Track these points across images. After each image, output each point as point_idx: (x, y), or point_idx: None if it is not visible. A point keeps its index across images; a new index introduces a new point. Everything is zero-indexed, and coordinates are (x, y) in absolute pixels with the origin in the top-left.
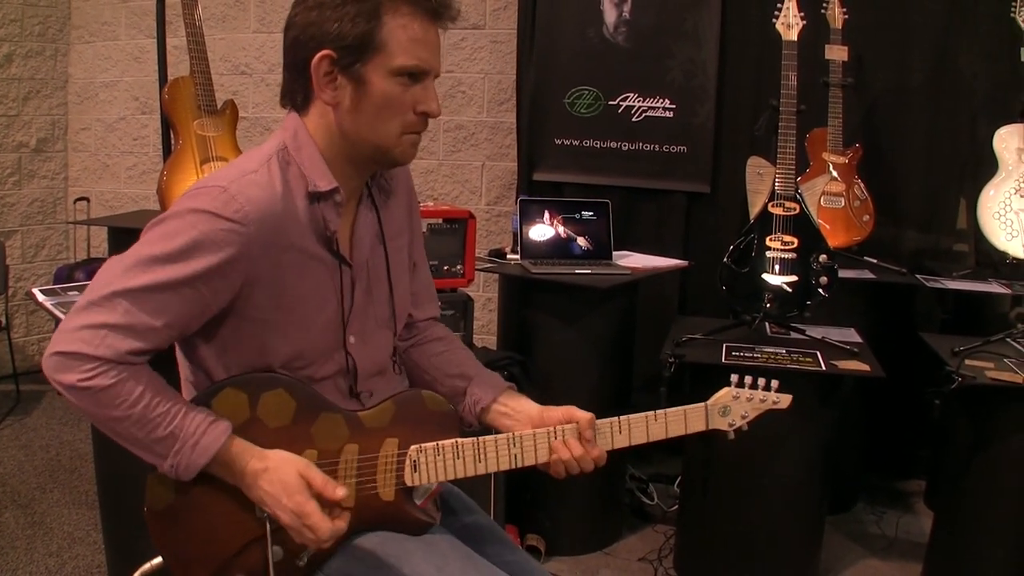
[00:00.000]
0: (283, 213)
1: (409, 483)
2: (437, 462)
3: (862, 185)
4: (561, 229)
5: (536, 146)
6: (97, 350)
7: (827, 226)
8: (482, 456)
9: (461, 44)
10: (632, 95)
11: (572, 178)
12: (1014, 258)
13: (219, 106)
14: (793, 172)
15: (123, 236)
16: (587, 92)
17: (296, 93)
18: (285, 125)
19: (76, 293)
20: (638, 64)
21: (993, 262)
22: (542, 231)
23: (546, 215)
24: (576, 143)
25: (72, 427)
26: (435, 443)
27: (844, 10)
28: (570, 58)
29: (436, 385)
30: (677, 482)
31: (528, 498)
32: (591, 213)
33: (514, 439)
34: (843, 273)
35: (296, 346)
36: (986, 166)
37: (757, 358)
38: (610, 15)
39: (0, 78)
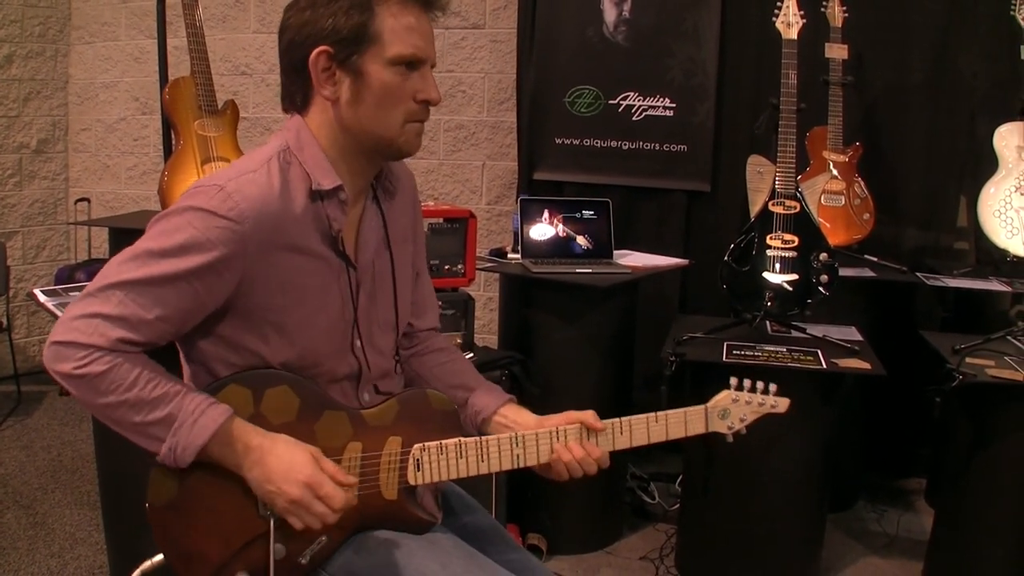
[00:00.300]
0: (281, 211)
1: (412, 482)
2: (440, 461)
3: (862, 183)
4: (562, 228)
5: (536, 145)
6: (90, 338)
7: (827, 224)
8: (485, 456)
9: (461, 44)
10: (632, 94)
11: (572, 177)
12: (1014, 256)
13: (220, 106)
14: (793, 170)
15: (124, 237)
16: (587, 91)
17: (295, 94)
18: (287, 126)
19: (77, 294)
20: (638, 63)
21: (993, 260)
22: (543, 230)
23: (546, 214)
24: (576, 142)
25: (73, 428)
26: (438, 442)
27: (844, 8)
28: (570, 57)
29: None
30: (678, 481)
31: (529, 497)
32: (591, 212)
33: (517, 439)
34: (843, 271)
35: (297, 347)
36: (986, 164)
37: (758, 356)
38: (610, 14)
39: (0, 79)
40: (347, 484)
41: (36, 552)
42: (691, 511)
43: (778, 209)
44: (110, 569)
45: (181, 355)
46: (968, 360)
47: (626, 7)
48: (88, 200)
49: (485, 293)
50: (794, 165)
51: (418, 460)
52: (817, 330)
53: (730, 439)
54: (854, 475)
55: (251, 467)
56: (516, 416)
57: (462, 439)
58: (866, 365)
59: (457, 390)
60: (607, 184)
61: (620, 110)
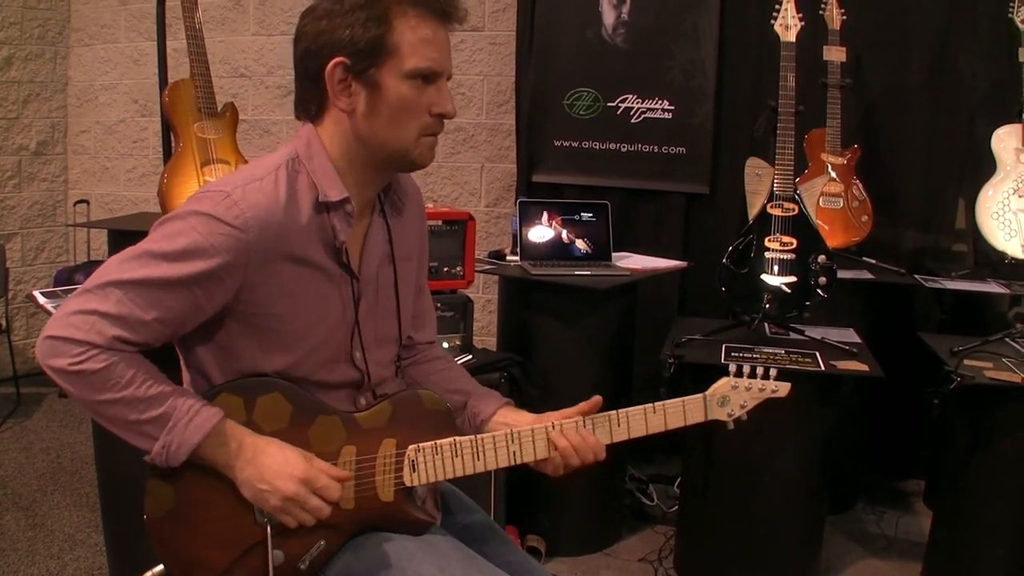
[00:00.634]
0: (285, 222)
1: (408, 483)
2: (436, 461)
3: (861, 186)
4: (561, 230)
5: (535, 148)
6: (87, 335)
7: (826, 227)
8: (480, 454)
9: (460, 46)
10: (631, 96)
11: (571, 179)
12: (1012, 258)
13: (219, 109)
14: (792, 173)
15: (123, 239)
16: (586, 93)
17: (310, 103)
18: (299, 134)
19: (70, 295)
20: (637, 65)
21: (992, 262)
22: (541, 232)
23: (545, 216)
24: (575, 144)
25: (73, 429)
26: (433, 442)
27: (842, 11)
28: (569, 60)
29: None
30: (677, 483)
31: (528, 499)
32: (590, 214)
33: (512, 435)
34: (842, 273)
35: (295, 355)
36: (984, 166)
37: (756, 358)
38: (609, 16)
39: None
40: (342, 479)
41: (35, 554)
42: (690, 513)
43: (776, 211)
44: (109, 571)
45: (181, 361)
46: (966, 362)
47: (625, 9)
48: (87, 202)
49: (484, 295)
50: (792, 167)
51: (413, 461)
52: (816, 332)
53: (731, 426)
54: (853, 477)
55: (244, 466)
56: (515, 417)
57: (457, 438)
58: (864, 367)
59: (455, 394)
60: (606, 186)
61: (619, 112)
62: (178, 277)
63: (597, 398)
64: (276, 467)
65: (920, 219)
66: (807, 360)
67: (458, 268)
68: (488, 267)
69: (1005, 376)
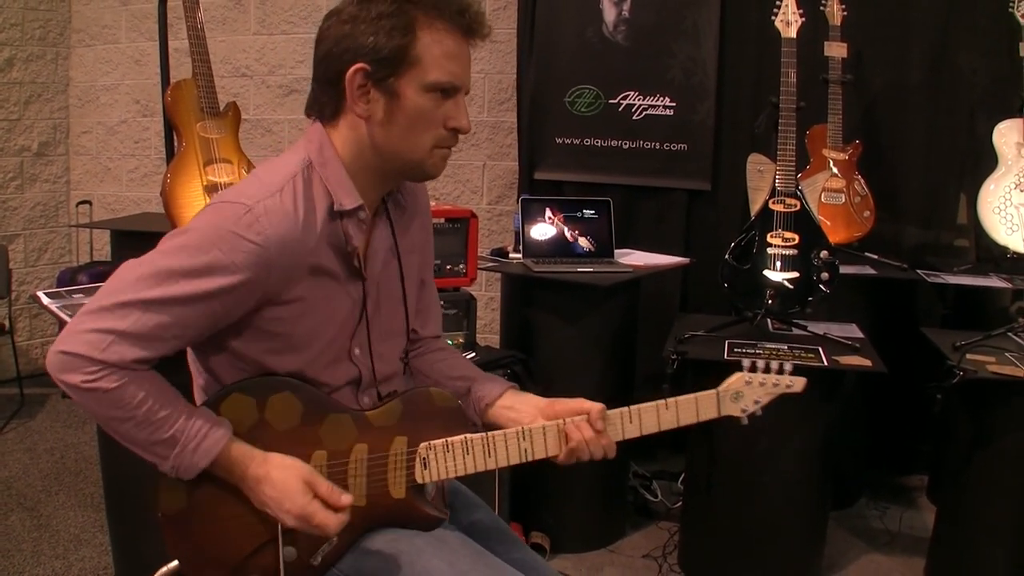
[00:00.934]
0: (302, 237)
1: (419, 480)
2: (447, 458)
3: (862, 181)
4: (563, 228)
5: (537, 145)
6: (103, 355)
7: (828, 222)
8: (492, 451)
9: None
10: (632, 93)
11: (573, 177)
12: (1015, 253)
13: (221, 108)
14: (793, 169)
15: (126, 239)
16: (587, 91)
17: (325, 105)
18: (310, 137)
19: (81, 296)
20: (638, 62)
21: (993, 257)
22: (544, 230)
23: (547, 214)
24: (577, 142)
25: (77, 430)
26: (444, 439)
27: (843, 7)
28: (570, 57)
29: (439, 387)
30: (681, 479)
31: (533, 496)
32: (592, 211)
33: (523, 432)
34: (844, 269)
35: (304, 356)
36: (986, 161)
37: (759, 354)
38: (609, 14)
39: (1, 82)
40: (342, 506)
41: (40, 554)
42: (694, 509)
43: (778, 207)
44: (115, 570)
45: (191, 360)
46: (969, 357)
47: (625, 6)
48: (90, 202)
49: (487, 293)
50: (794, 163)
51: (424, 458)
52: (818, 328)
53: (744, 421)
54: (856, 472)
55: (248, 492)
56: (521, 399)
57: (468, 435)
58: (867, 362)
59: (458, 381)
60: (608, 183)
61: (620, 109)
62: (198, 293)
63: (600, 405)
64: (277, 499)
65: (922, 214)
66: (810, 356)
67: (461, 266)
68: (491, 265)
69: (1007, 371)
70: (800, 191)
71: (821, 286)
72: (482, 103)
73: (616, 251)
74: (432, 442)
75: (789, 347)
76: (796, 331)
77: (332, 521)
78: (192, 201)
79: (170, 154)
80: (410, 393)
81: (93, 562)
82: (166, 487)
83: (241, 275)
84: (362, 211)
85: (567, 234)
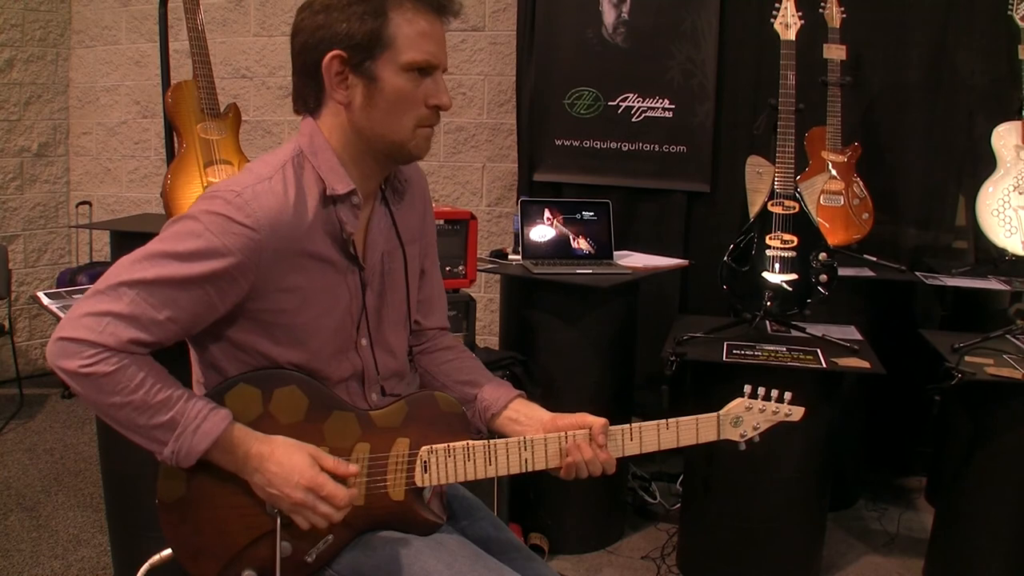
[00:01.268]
0: (294, 220)
1: (419, 483)
2: (448, 463)
3: (861, 183)
4: (562, 229)
5: (536, 147)
6: (100, 337)
7: (826, 224)
8: (492, 459)
9: (461, 46)
10: (631, 95)
11: (572, 179)
12: (1013, 255)
13: (222, 109)
14: (792, 171)
15: (125, 240)
16: (587, 93)
17: (308, 97)
18: (301, 130)
19: (81, 296)
20: (637, 64)
21: (992, 259)
22: (543, 231)
23: (547, 215)
24: (576, 144)
25: (76, 430)
26: (446, 444)
27: (842, 9)
28: (569, 59)
29: (445, 391)
30: (679, 480)
31: (531, 497)
32: (592, 213)
33: (525, 443)
34: (843, 271)
35: (306, 348)
36: (984, 163)
37: (758, 356)
38: (609, 16)
39: (1, 83)
40: (348, 475)
41: (40, 554)
42: (692, 510)
43: (777, 209)
44: (114, 570)
45: (192, 355)
46: (967, 358)
47: (625, 8)
48: (89, 203)
49: (486, 294)
50: (793, 165)
51: (425, 462)
52: (817, 329)
53: (743, 447)
54: (854, 474)
55: (251, 473)
56: (527, 410)
57: (470, 442)
58: (866, 364)
59: (465, 386)
60: (607, 185)
61: (619, 111)
62: (191, 276)
63: (604, 420)
64: (283, 474)
65: (920, 216)
66: (808, 357)
67: (460, 267)
68: (490, 266)
69: (1006, 372)
70: (799, 193)
71: (820, 288)
72: (482, 105)
73: (615, 253)
74: (434, 446)
75: (788, 349)
76: (795, 333)
77: (342, 492)
78: (193, 202)
79: (171, 155)
80: (415, 395)
81: (92, 562)
82: (166, 475)
83: (232, 258)
84: (355, 196)
85: (566, 236)
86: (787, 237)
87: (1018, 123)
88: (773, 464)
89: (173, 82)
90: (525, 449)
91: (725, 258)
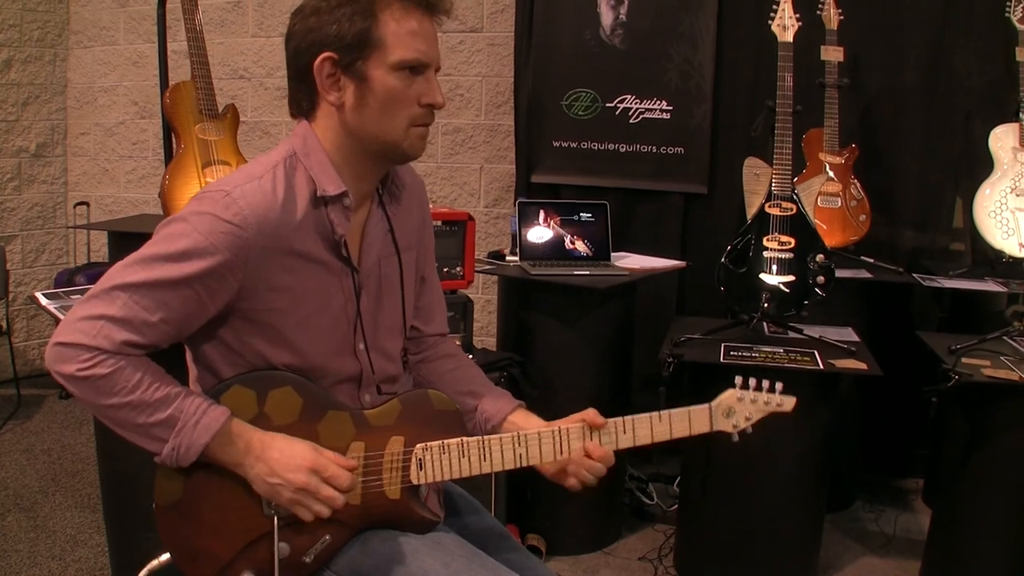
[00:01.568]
0: (282, 217)
1: (415, 481)
2: (443, 460)
3: (858, 185)
4: (560, 231)
5: (534, 148)
6: (94, 340)
7: (824, 226)
8: (487, 455)
9: (459, 47)
10: (629, 97)
11: (570, 180)
12: (1010, 256)
13: (220, 110)
14: (790, 172)
15: (123, 240)
16: (584, 94)
17: (302, 100)
18: (295, 132)
19: (79, 297)
20: (635, 66)
21: (989, 260)
22: (541, 233)
23: (544, 217)
24: (574, 145)
25: (74, 431)
26: (441, 441)
27: (839, 11)
28: (567, 60)
29: None
30: (676, 482)
31: (528, 498)
32: (589, 215)
33: (519, 438)
34: (840, 272)
35: (299, 349)
36: (982, 165)
37: (755, 357)
38: (607, 17)
39: None
40: (350, 467)
41: (37, 555)
42: (689, 512)
43: (774, 211)
44: (112, 571)
45: (188, 357)
46: (964, 360)
47: (623, 10)
48: (87, 204)
49: (484, 295)
50: (790, 167)
51: (420, 459)
52: (814, 331)
53: (735, 438)
54: (852, 475)
55: (253, 463)
56: (526, 422)
57: (464, 438)
58: (863, 365)
59: (466, 396)
60: (605, 187)
61: (617, 113)
62: (181, 277)
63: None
64: (285, 460)
65: (918, 218)
66: (806, 359)
67: (458, 268)
68: (488, 267)
69: (1003, 374)
70: (796, 195)
71: (817, 289)
72: (479, 106)
73: (613, 254)
74: (428, 443)
75: (785, 350)
76: (792, 334)
77: (345, 475)
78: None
79: (169, 156)
80: (409, 394)
81: (90, 563)
82: (162, 476)
83: (219, 256)
84: (346, 198)
85: (564, 237)
86: (784, 239)
87: (1015, 125)
88: (770, 465)
89: (171, 83)
90: (519, 445)
91: (722, 259)
